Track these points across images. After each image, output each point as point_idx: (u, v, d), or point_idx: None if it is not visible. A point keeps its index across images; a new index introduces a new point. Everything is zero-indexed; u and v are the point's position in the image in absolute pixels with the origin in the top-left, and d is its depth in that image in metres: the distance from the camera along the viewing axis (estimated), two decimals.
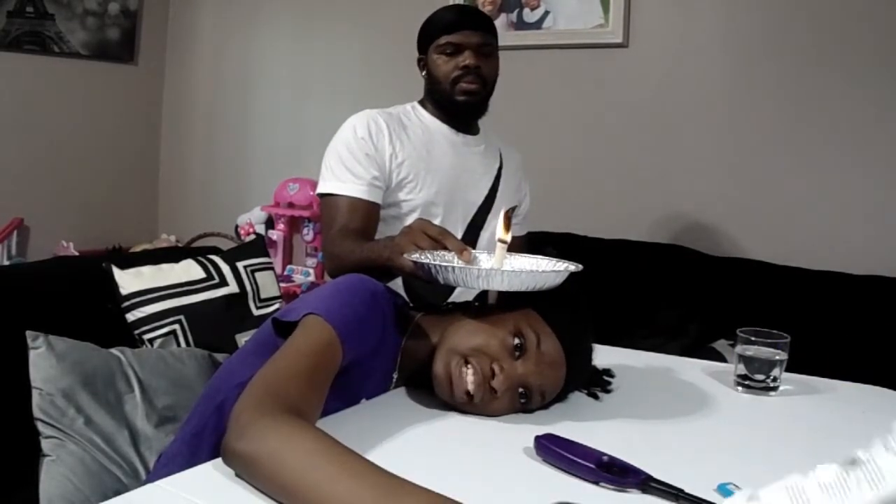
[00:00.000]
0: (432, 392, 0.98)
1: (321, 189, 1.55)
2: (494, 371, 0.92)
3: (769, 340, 1.12)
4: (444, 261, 1.09)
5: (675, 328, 2.05)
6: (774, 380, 1.12)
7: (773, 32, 2.34)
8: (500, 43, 1.66)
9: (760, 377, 1.11)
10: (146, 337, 1.38)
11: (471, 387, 0.92)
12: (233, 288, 1.52)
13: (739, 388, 1.13)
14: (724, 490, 0.74)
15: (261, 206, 3.24)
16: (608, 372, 1.13)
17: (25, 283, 1.34)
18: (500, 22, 2.63)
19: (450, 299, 1.47)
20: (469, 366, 0.93)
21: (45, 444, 1.12)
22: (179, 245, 3.40)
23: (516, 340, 0.94)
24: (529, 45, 2.67)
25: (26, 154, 3.19)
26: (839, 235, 2.26)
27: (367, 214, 1.52)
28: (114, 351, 1.25)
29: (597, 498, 0.75)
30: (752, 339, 1.13)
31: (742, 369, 1.13)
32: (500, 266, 1.07)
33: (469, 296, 1.28)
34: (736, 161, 2.41)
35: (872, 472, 0.52)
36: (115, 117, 3.50)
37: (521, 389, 0.95)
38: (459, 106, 1.61)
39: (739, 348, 1.14)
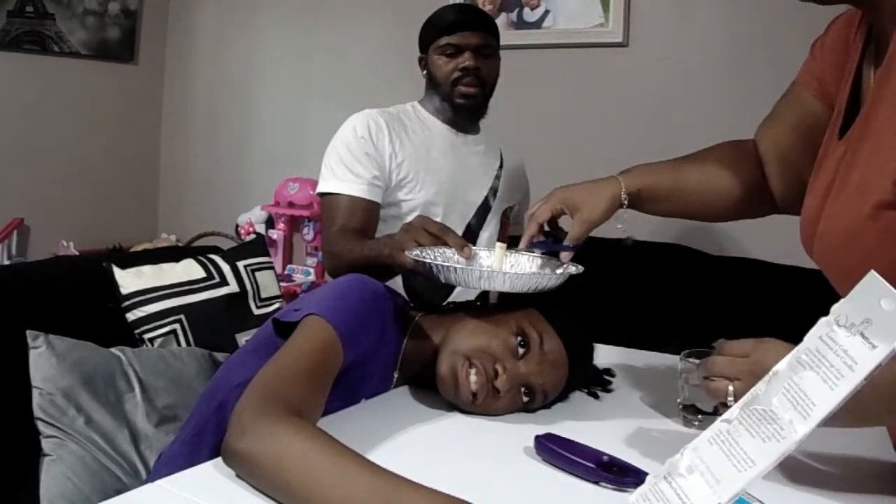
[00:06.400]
0: (433, 391, 0.98)
1: (321, 188, 1.56)
2: (497, 371, 0.93)
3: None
4: (444, 259, 1.09)
5: (675, 328, 2.05)
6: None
7: (772, 31, 2.34)
8: (500, 42, 1.66)
9: (710, 408, 0.94)
10: (146, 336, 1.37)
11: (474, 387, 0.92)
12: (233, 287, 1.52)
13: (695, 423, 0.96)
14: None
15: (261, 206, 3.24)
16: (608, 372, 1.13)
17: (25, 283, 1.34)
18: (500, 21, 2.63)
19: (450, 298, 1.47)
20: (472, 366, 0.93)
21: (46, 444, 1.12)
22: (180, 244, 3.40)
23: (519, 340, 0.94)
24: (529, 44, 2.66)
25: (26, 154, 3.19)
26: None
27: (367, 213, 1.52)
28: (114, 350, 1.25)
29: (597, 498, 0.75)
30: (698, 363, 0.95)
31: (690, 398, 0.97)
32: (500, 266, 1.07)
33: (470, 295, 1.28)
34: None
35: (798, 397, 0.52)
36: (115, 117, 3.49)
37: (523, 389, 0.95)
38: (458, 107, 1.61)
39: (684, 375, 0.98)
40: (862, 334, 0.50)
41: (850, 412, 0.60)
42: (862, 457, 0.89)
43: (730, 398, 0.77)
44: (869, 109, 0.79)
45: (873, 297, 0.50)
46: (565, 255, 1.06)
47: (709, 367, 0.82)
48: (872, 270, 0.52)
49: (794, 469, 0.83)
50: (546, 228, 1.09)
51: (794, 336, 1.12)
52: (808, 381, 0.52)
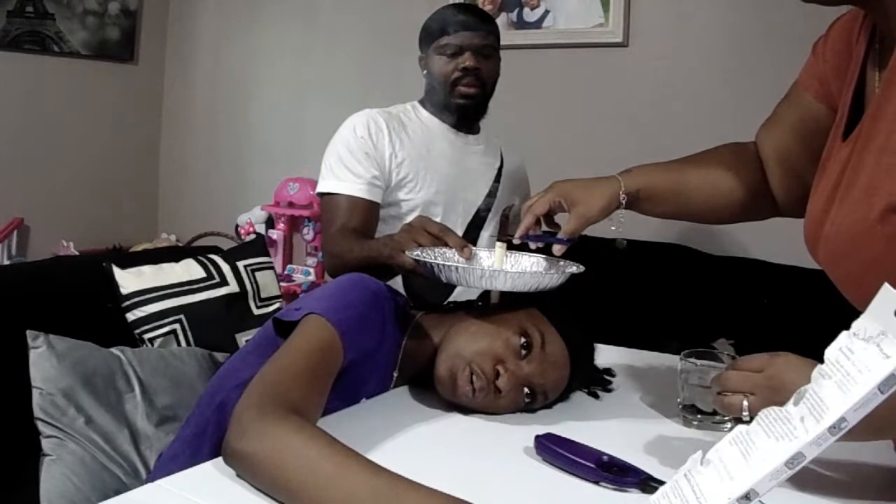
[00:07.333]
0: (433, 391, 0.98)
1: (321, 188, 1.56)
2: (499, 371, 0.93)
3: (719, 364, 0.95)
4: (445, 259, 1.09)
5: (675, 328, 2.05)
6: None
7: (772, 32, 2.34)
8: (501, 42, 1.66)
9: (710, 409, 0.95)
10: (146, 336, 1.37)
11: (477, 393, 0.93)
12: (233, 287, 1.52)
13: (695, 423, 0.97)
14: None
15: (261, 206, 3.24)
16: (608, 371, 1.13)
17: (25, 283, 1.34)
18: (500, 21, 2.63)
19: (450, 298, 1.47)
20: (474, 374, 0.93)
21: (46, 444, 1.12)
22: (179, 244, 3.40)
23: (522, 340, 0.94)
24: (529, 44, 2.67)
25: (26, 154, 3.19)
26: None
27: (367, 213, 1.52)
28: (114, 350, 1.25)
29: (597, 498, 0.75)
30: (698, 363, 0.96)
31: (690, 398, 0.97)
32: (501, 265, 1.07)
33: (470, 295, 1.28)
34: None
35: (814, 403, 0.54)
36: (115, 117, 3.49)
37: (525, 390, 0.95)
38: (458, 107, 1.61)
39: (684, 375, 0.98)
40: (878, 345, 0.51)
41: (873, 424, 0.60)
42: (863, 461, 0.88)
43: (745, 413, 0.77)
44: (875, 111, 0.79)
45: (888, 309, 0.51)
46: (558, 249, 1.05)
47: (722, 381, 0.81)
48: (886, 284, 0.52)
49: (796, 473, 0.82)
50: (542, 224, 1.08)
51: (794, 336, 1.13)
52: (825, 389, 0.54)
